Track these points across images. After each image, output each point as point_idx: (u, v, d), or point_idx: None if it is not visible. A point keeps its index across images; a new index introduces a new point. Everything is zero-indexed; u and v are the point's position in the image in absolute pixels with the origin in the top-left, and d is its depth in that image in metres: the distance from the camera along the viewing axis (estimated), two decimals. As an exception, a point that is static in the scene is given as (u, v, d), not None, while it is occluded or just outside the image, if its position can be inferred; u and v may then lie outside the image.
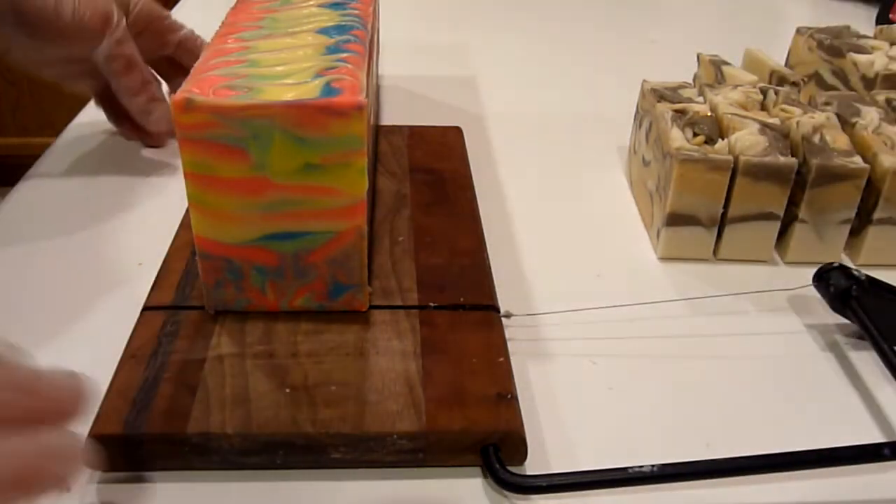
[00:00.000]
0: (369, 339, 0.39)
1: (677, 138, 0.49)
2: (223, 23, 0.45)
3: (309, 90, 0.36)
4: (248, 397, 0.35)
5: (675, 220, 0.49)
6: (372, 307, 0.41)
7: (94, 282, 0.47)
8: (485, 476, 0.35)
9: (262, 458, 0.34)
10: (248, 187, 0.37)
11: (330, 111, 0.35)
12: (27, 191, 0.56)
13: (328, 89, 0.36)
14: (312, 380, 0.37)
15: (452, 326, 0.40)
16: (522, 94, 0.75)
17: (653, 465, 0.33)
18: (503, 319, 0.42)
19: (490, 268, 0.45)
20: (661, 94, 0.55)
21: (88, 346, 0.41)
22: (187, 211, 0.49)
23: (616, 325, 0.44)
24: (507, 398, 0.36)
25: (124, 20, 0.54)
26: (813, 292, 0.45)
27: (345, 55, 0.40)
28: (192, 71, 0.38)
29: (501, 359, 0.38)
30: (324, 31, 0.43)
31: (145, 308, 0.41)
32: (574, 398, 0.39)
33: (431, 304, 0.42)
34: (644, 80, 0.58)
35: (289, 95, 0.35)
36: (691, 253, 0.50)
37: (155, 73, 0.58)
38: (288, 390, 0.36)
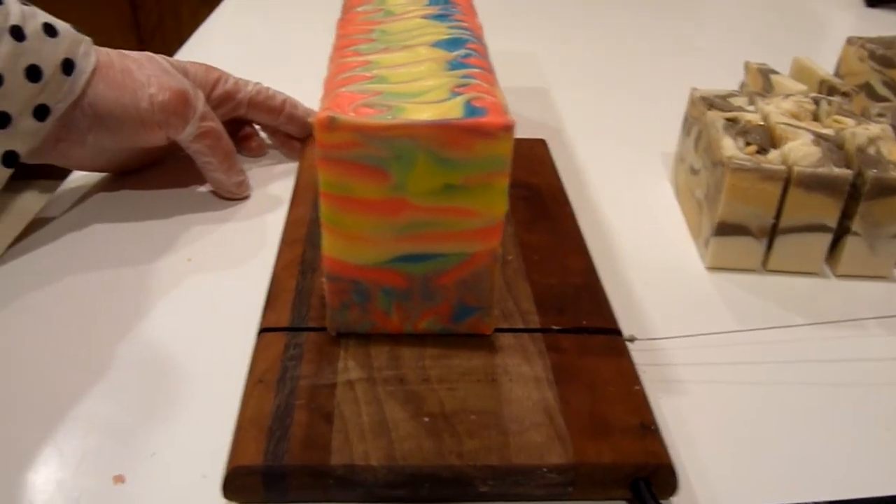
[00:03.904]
0: (499, 365, 0.38)
1: (729, 147, 0.48)
2: (336, 35, 0.43)
3: (450, 109, 0.34)
4: (386, 426, 0.34)
5: (725, 229, 0.48)
6: (495, 330, 0.40)
7: (143, 280, 0.47)
8: (634, 510, 0.34)
9: (407, 491, 0.33)
10: (385, 208, 0.35)
11: (479, 132, 0.33)
12: (76, 184, 0.56)
13: (471, 109, 0.34)
14: (449, 408, 0.35)
15: (581, 351, 0.39)
16: (567, 102, 0.73)
17: (816, 502, 0.32)
18: (627, 343, 0.41)
19: (604, 288, 0.44)
20: (711, 103, 0.54)
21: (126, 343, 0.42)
22: (286, 227, 0.48)
23: (738, 348, 0.43)
24: (650, 429, 0.35)
25: (201, 94, 0.51)
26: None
27: (471, 71, 0.38)
28: (324, 87, 0.37)
29: (637, 387, 0.37)
30: (439, 45, 0.41)
31: (263, 329, 0.40)
32: (707, 427, 0.38)
33: (555, 328, 0.40)
34: (693, 88, 0.57)
35: (428, 114, 0.34)
36: (740, 263, 0.50)
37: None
38: (426, 419, 0.35)
